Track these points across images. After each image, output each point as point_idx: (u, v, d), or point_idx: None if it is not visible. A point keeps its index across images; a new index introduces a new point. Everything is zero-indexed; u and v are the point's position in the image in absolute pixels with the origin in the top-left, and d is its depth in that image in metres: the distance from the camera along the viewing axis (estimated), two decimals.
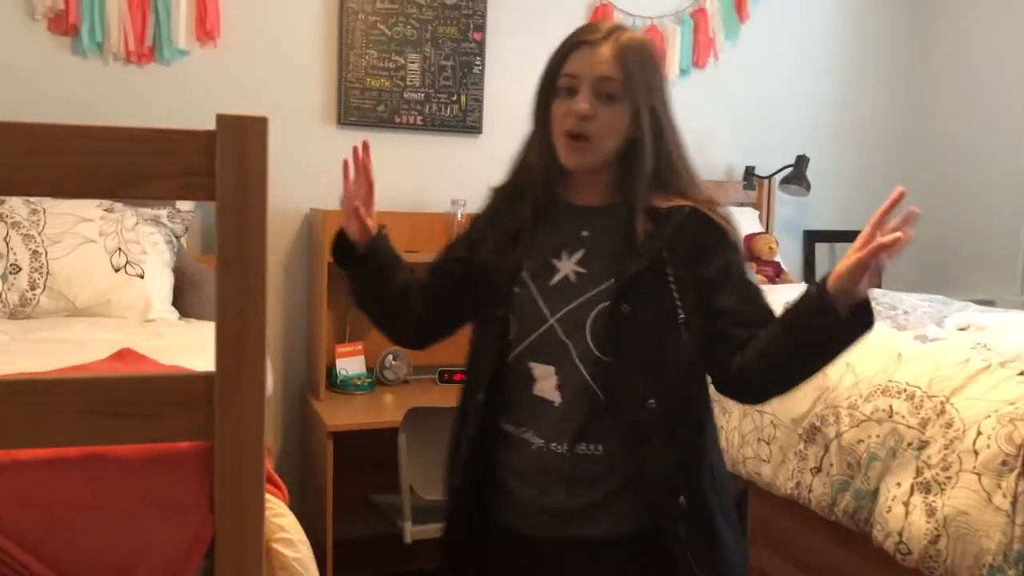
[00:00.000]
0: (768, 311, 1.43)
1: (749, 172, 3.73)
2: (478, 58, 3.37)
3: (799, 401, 2.24)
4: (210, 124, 3.34)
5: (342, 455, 3.01)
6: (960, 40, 4.01)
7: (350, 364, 3.20)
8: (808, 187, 3.64)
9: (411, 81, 3.30)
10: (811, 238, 3.99)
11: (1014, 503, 1.67)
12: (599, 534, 1.44)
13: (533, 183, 1.50)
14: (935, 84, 4.10)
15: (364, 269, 1.55)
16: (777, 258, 3.40)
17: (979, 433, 1.77)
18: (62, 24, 2.88)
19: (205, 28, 3.03)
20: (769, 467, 2.31)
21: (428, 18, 3.28)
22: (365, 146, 1.55)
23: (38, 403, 1.09)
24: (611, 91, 1.40)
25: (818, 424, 2.17)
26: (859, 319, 1.28)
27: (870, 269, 1.23)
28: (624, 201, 1.46)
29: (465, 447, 1.51)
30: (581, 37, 1.44)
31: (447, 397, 2.37)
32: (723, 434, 2.48)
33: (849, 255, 1.25)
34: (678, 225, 1.42)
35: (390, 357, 3.25)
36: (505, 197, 1.55)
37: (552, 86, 1.44)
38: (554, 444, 1.43)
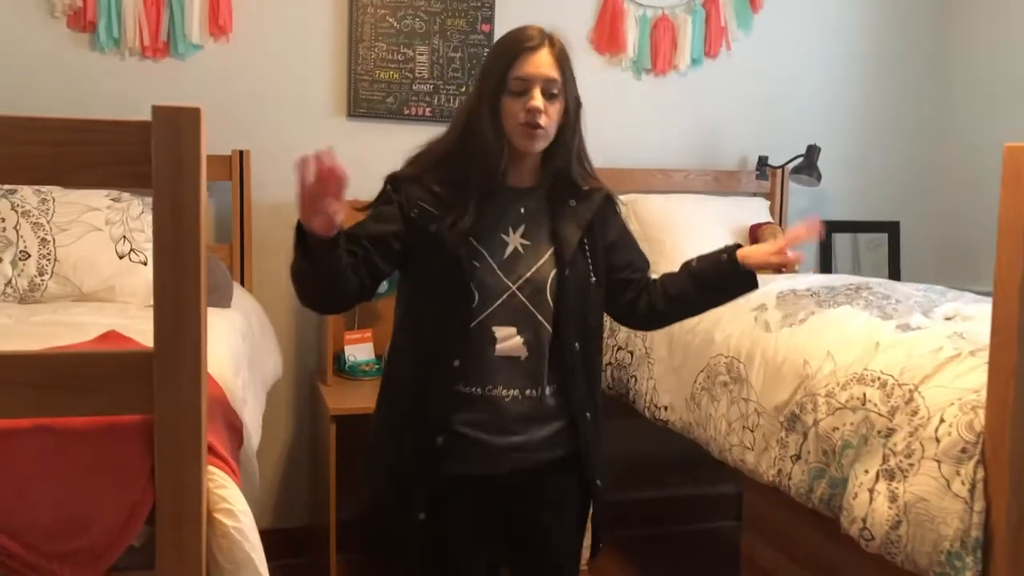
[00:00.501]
0: (644, 255, 1.95)
1: (762, 162, 3.72)
2: (486, 49, 3.40)
3: (781, 388, 2.25)
4: (223, 117, 3.49)
5: (350, 439, 3.08)
6: (980, 29, 3.93)
7: (358, 351, 3.27)
8: (819, 177, 3.61)
9: (420, 73, 3.36)
10: (828, 228, 3.96)
11: (972, 490, 1.67)
12: (544, 459, 1.78)
13: (487, 170, 1.73)
14: (954, 73, 4.03)
15: (325, 254, 1.61)
16: None
17: (942, 421, 1.77)
18: (80, 21, 2.99)
19: (218, 23, 3.12)
20: (753, 454, 2.32)
21: (436, 10, 3.33)
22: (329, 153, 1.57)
23: None
24: (554, 90, 1.72)
25: (798, 412, 2.17)
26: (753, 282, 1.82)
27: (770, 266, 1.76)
28: (547, 181, 1.79)
29: (441, 408, 1.71)
30: (523, 44, 1.71)
31: None
32: (711, 422, 2.50)
33: (765, 253, 1.78)
34: (598, 204, 1.81)
35: None
36: (446, 183, 1.74)
37: (502, 88, 1.70)
38: (528, 391, 1.75)
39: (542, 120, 1.69)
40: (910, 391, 1.89)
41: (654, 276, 1.92)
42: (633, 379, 2.91)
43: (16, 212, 2.46)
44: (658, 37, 3.62)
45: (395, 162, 3.33)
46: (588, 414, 1.80)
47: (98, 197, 2.59)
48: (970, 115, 3.97)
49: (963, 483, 1.69)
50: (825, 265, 3.96)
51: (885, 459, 1.86)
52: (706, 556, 3.52)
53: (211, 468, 1.31)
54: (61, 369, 1.20)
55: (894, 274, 4.05)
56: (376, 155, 3.36)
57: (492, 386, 1.72)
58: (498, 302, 1.71)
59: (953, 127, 4.02)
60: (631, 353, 2.94)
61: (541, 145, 1.73)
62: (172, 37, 3.08)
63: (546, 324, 1.74)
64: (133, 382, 1.20)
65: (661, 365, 2.79)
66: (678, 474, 3.75)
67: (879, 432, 1.91)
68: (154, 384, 1.20)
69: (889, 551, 1.81)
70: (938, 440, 1.76)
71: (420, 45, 3.34)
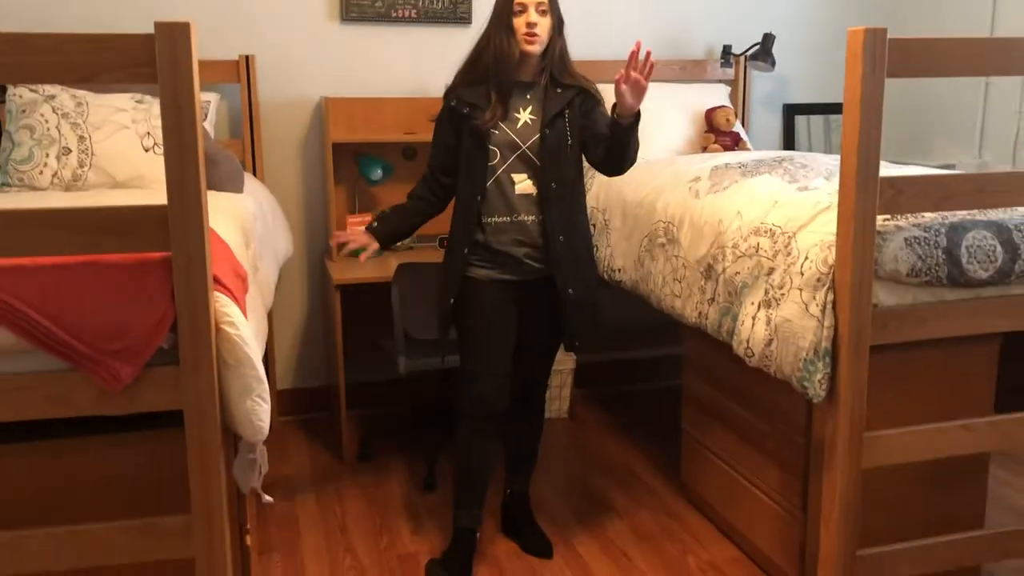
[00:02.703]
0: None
1: (726, 51, 4.04)
2: None
3: (702, 244, 2.66)
4: (230, 25, 4.06)
5: (355, 309, 3.56)
6: None
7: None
8: (773, 63, 3.93)
9: None
10: (789, 111, 4.29)
11: (824, 310, 2.09)
12: (543, 270, 2.56)
13: (504, 66, 2.49)
14: None
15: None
16: (735, 128, 3.74)
17: (807, 258, 2.18)
18: None
19: None
20: (680, 301, 2.75)
21: None
22: None
23: (49, 225, 1.63)
24: (543, 9, 2.48)
25: (712, 262, 2.59)
26: (634, 121, 2.38)
27: (626, 94, 2.27)
28: (544, 77, 2.56)
29: (472, 228, 2.54)
30: None
31: (437, 257, 2.88)
32: (651, 278, 2.92)
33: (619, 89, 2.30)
34: (575, 95, 2.56)
35: None
36: (477, 82, 2.53)
37: (510, 11, 2.47)
38: (540, 216, 2.53)
39: (536, 29, 2.46)
40: (789, 237, 2.29)
41: None
42: (595, 248, 3.33)
43: (57, 114, 2.90)
44: None
45: (387, 59, 3.77)
46: (561, 237, 2.53)
47: (124, 100, 3.02)
48: (923, 2, 4.23)
49: (817, 306, 2.11)
50: (787, 144, 4.31)
51: (766, 292, 2.29)
52: (667, 405, 3.99)
53: (217, 293, 1.77)
54: (103, 219, 1.65)
55: None
56: (369, 54, 3.77)
57: (517, 214, 2.53)
58: (513, 156, 2.52)
59: (907, 14, 4.28)
60: (594, 226, 3.35)
61: (538, 48, 2.49)
62: None
63: (543, 170, 2.51)
64: (155, 228, 1.65)
65: (616, 234, 3.21)
66: (644, 338, 4.21)
67: (765, 272, 2.33)
68: (169, 228, 1.65)
69: (765, 363, 2.25)
70: (803, 273, 2.17)
71: None
